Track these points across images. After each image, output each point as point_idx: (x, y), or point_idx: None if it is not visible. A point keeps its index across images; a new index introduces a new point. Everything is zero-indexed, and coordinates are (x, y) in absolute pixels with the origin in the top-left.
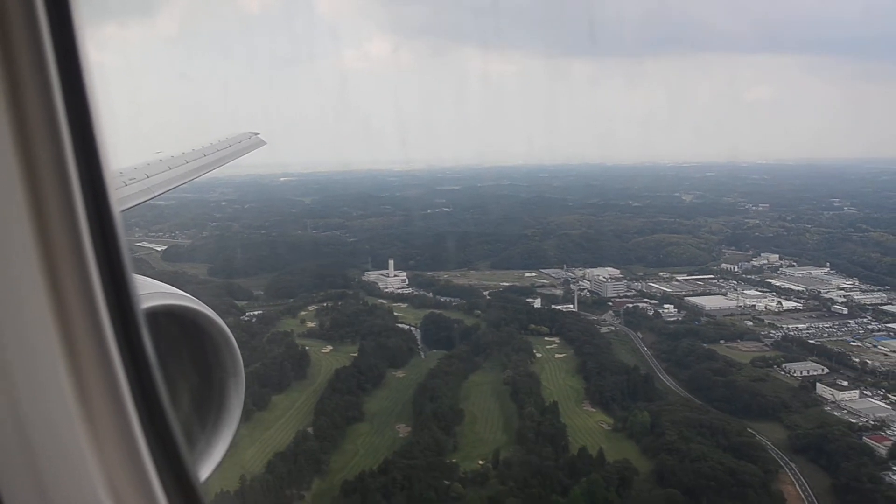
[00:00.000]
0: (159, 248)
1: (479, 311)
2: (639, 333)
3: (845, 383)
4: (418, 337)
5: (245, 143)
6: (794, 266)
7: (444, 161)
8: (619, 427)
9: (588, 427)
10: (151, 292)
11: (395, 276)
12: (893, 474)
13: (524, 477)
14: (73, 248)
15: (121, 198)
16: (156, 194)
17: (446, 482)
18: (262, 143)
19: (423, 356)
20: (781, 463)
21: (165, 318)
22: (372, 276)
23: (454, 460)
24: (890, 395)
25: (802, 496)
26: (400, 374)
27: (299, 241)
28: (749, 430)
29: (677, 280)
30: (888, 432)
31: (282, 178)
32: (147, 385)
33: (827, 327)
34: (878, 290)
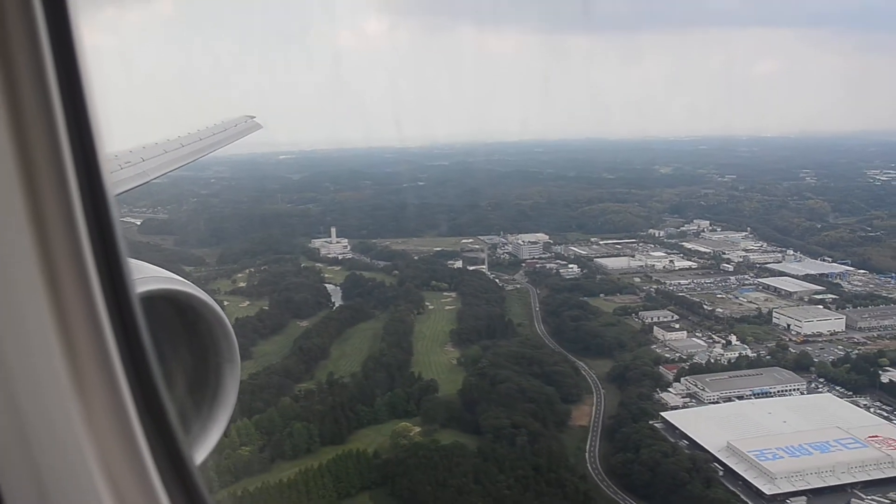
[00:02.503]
0: (138, 222)
1: (396, 272)
2: (537, 289)
3: (678, 326)
4: (338, 294)
5: (241, 126)
6: (716, 231)
7: (443, 138)
8: (463, 361)
9: (439, 361)
10: (147, 276)
11: (337, 242)
12: (661, 392)
13: (344, 393)
14: (68, 232)
15: (116, 182)
16: (151, 178)
17: (281, 397)
18: (258, 126)
19: (333, 309)
20: (593, 388)
21: (161, 302)
22: (318, 243)
23: (300, 384)
24: (714, 336)
25: (592, 412)
26: (304, 323)
27: (268, 214)
28: (577, 363)
29: (599, 244)
30: (687, 363)
31: (280, 157)
32: (142, 369)
33: (707, 282)
34: (778, 252)
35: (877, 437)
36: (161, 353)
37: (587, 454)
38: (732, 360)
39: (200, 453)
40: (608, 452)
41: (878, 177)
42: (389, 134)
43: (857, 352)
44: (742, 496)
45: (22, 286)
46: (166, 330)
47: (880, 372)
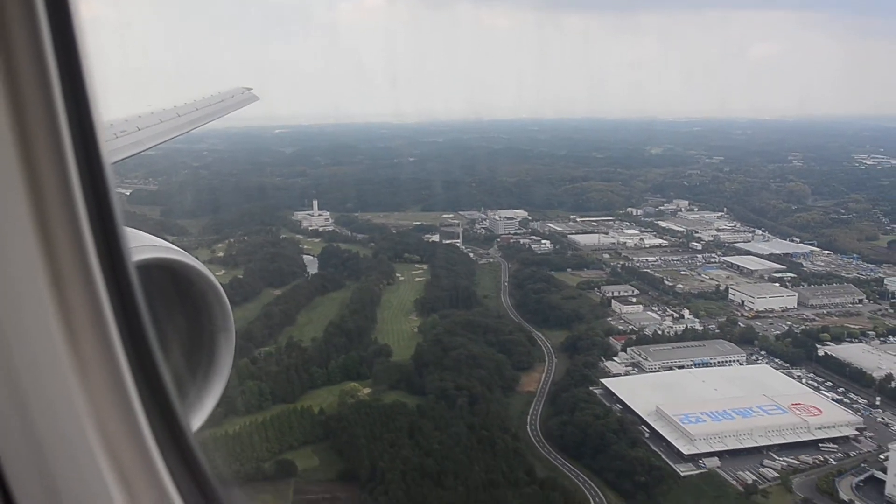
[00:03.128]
0: (128, 193)
1: (373, 244)
2: (508, 263)
3: (634, 300)
4: (315, 264)
5: (237, 97)
6: (693, 210)
7: (441, 114)
8: (423, 329)
9: (401, 329)
10: (142, 245)
11: (319, 215)
12: (607, 361)
13: (301, 356)
14: (65, 200)
15: (111, 150)
16: (147, 147)
17: (240, 359)
18: (255, 98)
19: (307, 278)
20: (547, 357)
21: (156, 271)
22: (300, 215)
23: (262, 348)
24: (669, 310)
25: (541, 379)
26: (278, 292)
27: (256, 187)
28: (535, 333)
29: (576, 221)
30: (638, 334)
31: (277, 131)
32: (139, 337)
33: (674, 260)
34: (749, 231)
35: (799, 404)
36: (157, 321)
37: (529, 416)
38: (679, 333)
39: (196, 420)
40: (548, 415)
41: (864, 161)
42: (388, 109)
43: (803, 327)
44: (662, 455)
45: (18, 254)
46: (162, 298)
47: (818, 346)
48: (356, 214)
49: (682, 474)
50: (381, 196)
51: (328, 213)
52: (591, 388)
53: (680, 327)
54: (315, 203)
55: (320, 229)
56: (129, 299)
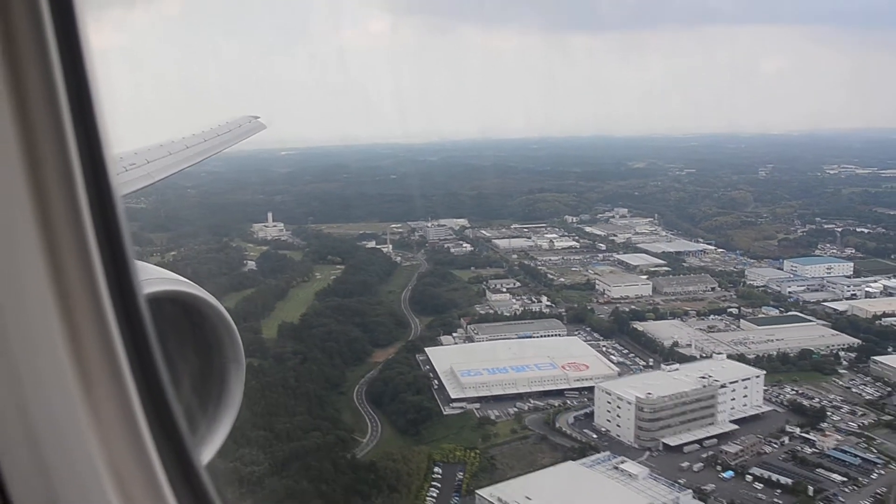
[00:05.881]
0: None
1: (308, 249)
2: (428, 265)
3: (505, 290)
4: (250, 266)
5: (245, 127)
6: (626, 217)
7: (449, 135)
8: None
9: (293, 315)
10: (153, 278)
11: (274, 226)
12: (444, 335)
13: None
14: (76, 234)
15: (121, 183)
16: (156, 180)
17: None
18: (262, 126)
19: (230, 277)
20: (411, 336)
21: (167, 303)
22: (257, 227)
23: None
24: (534, 297)
25: (393, 353)
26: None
27: (234, 203)
28: (412, 318)
29: (510, 228)
30: (492, 316)
31: (282, 153)
32: (149, 369)
33: (574, 259)
34: (659, 234)
35: (573, 363)
36: (167, 353)
37: (364, 378)
38: (518, 313)
39: (207, 453)
40: (373, 377)
41: (829, 171)
42: (396, 131)
43: (635, 308)
44: (438, 401)
45: (30, 288)
46: (172, 331)
47: (632, 322)
48: (311, 226)
49: (445, 413)
50: (344, 209)
51: (282, 224)
52: (417, 355)
53: (520, 309)
54: (270, 215)
55: (270, 238)
56: (139, 332)
